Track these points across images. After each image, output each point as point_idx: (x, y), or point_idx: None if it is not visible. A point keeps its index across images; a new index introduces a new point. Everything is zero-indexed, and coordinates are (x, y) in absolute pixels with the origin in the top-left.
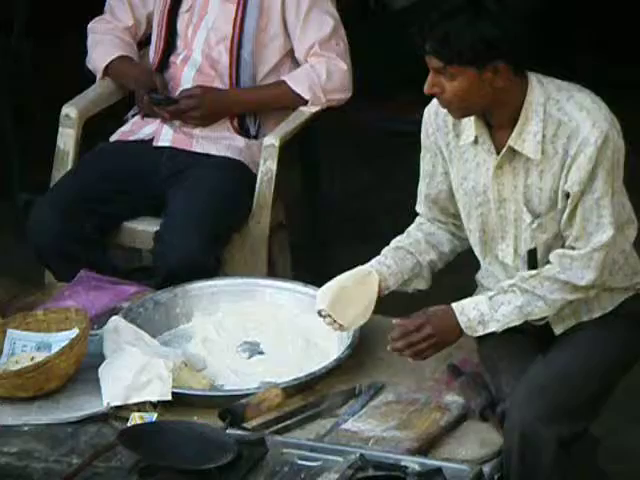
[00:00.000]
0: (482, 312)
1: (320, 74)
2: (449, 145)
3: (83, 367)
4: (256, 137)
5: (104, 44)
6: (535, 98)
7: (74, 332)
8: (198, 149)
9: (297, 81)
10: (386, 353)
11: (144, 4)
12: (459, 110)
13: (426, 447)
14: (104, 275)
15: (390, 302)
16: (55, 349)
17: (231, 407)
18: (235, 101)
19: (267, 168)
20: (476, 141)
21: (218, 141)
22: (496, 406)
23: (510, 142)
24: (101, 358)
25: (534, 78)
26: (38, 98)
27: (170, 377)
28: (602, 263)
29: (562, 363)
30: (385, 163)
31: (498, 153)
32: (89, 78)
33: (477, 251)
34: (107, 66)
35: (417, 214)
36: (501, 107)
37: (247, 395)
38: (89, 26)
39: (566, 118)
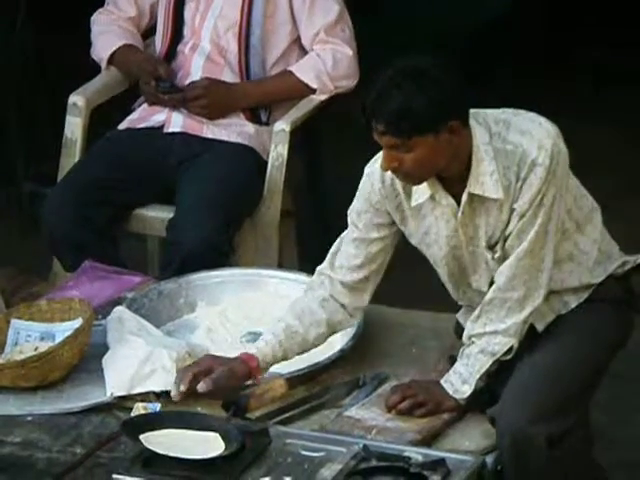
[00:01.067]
0: (461, 372)
1: (326, 62)
2: (400, 206)
3: (87, 357)
4: (267, 123)
5: (108, 34)
6: (480, 140)
7: (78, 322)
8: (209, 135)
9: (304, 70)
10: (390, 344)
11: None
12: (419, 178)
13: (429, 438)
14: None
15: (393, 296)
16: (59, 339)
17: (235, 398)
18: (243, 95)
19: (278, 153)
20: (432, 197)
21: (228, 127)
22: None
23: (470, 189)
24: (105, 348)
25: (472, 119)
26: (41, 89)
27: (174, 367)
28: (531, 270)
29: (546, 361)
30: None
31: (457, 202)
32: (94, 69)
33: (450, 287)
34: (112, 55)
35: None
36: (455, 160)
37: (251, 386)
38: (92, 18)
39: (511, 147)
